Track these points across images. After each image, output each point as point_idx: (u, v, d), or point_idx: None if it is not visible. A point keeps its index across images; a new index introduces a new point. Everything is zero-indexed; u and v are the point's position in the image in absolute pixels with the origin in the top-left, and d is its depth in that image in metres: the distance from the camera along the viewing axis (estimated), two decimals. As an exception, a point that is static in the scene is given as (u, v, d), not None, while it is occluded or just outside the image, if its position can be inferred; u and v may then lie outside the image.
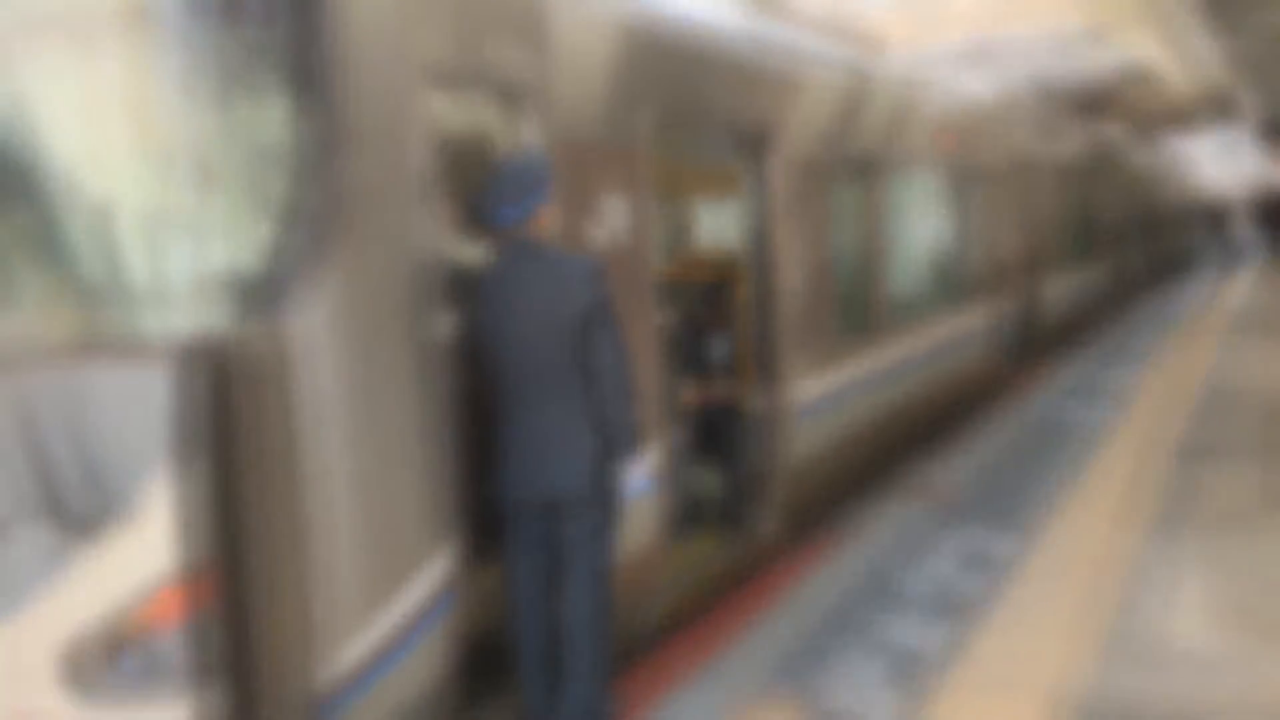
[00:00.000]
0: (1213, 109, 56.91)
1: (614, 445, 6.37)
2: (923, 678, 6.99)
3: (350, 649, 5.58)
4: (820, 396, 10.39)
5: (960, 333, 14.85)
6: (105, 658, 5.48)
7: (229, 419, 4.82)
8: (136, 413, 5.26)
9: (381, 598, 5.73)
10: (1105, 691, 6.69)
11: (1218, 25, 26.23)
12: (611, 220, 7.50)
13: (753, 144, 9.57)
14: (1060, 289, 20.60)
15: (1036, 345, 18.88)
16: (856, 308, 11.64)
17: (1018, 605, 8.09)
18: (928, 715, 6.55)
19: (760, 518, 9.69)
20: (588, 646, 6.48)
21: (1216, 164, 65.18)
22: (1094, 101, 35.09)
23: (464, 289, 6.36)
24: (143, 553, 5.28)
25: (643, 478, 7.58)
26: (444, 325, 6.04)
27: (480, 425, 6.39)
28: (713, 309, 9.74)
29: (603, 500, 6.43)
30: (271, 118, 5.82)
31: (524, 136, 6.77)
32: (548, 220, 6.46)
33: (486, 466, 6.46)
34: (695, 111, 8.58)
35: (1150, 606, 7.92)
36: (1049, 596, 8.21)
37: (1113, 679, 6.84)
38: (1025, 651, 7.29)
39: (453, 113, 7.07)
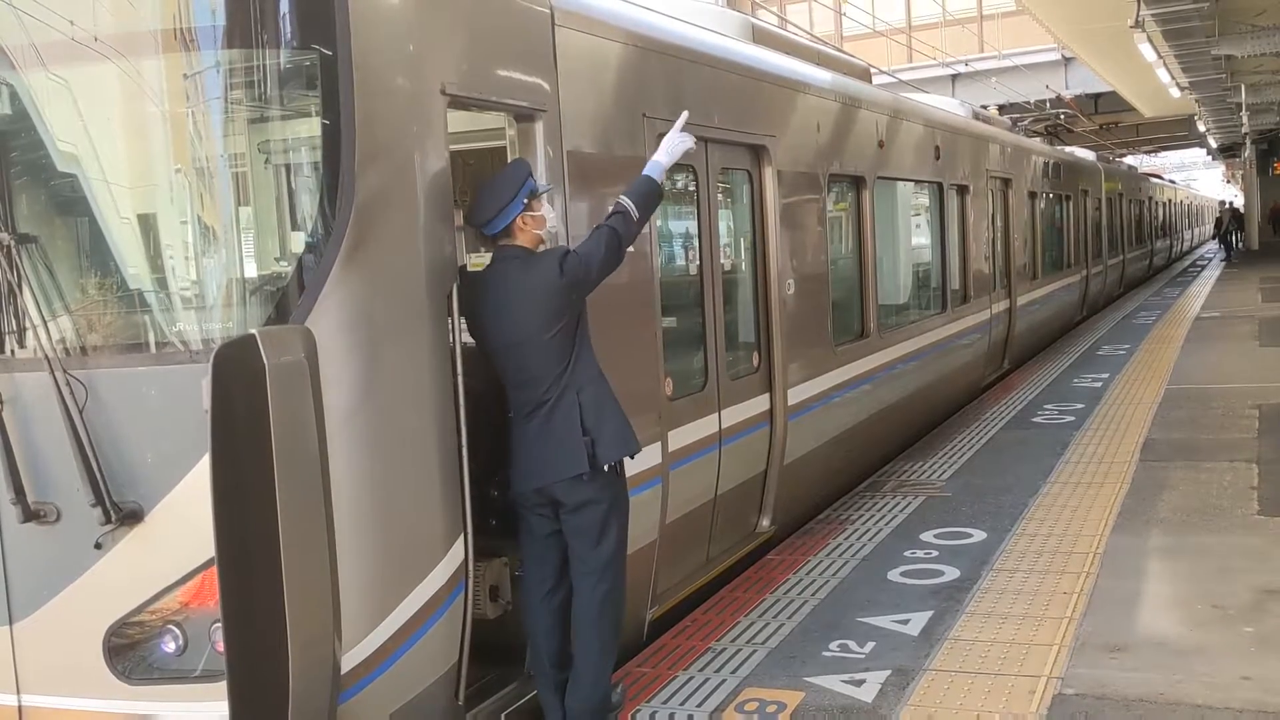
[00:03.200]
0: (1175, 131, 57.20)
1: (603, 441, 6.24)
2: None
3: (372, 636, 5.54)
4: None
5: (944, 339, 14.82)
6: (146, 639, 5.49)
7: (262, 414, 4.79)
8: (180, 409, 5.28)
9: (397, 590, 5.68)
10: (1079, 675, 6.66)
11: (1178, 57, 26.25)
12: None
13: (749, 155, 9.57)
14: (1036, 296, 20.57)
15: (1014, 351, 18.84)
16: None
17: (998, 592, 8.05)
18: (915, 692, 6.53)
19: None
20: (593, 641, 6.34)
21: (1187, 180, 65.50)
22: (1063, 122, 35.13)
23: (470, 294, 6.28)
24: (182, 542, 5.30)
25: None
26: (456, 328, 6.00)
27: (491, 424, 6.33)
28: None
29: (600, 497, 6.30)
30: (298, 136, 5.81)
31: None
32: (532, 226, 6.25)
33: (497, 464, 6.39)
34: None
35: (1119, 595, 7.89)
36: (1026, 583, 8.17)
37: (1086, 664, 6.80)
38: (1005, 637, 7.24)
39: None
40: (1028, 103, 38.09)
